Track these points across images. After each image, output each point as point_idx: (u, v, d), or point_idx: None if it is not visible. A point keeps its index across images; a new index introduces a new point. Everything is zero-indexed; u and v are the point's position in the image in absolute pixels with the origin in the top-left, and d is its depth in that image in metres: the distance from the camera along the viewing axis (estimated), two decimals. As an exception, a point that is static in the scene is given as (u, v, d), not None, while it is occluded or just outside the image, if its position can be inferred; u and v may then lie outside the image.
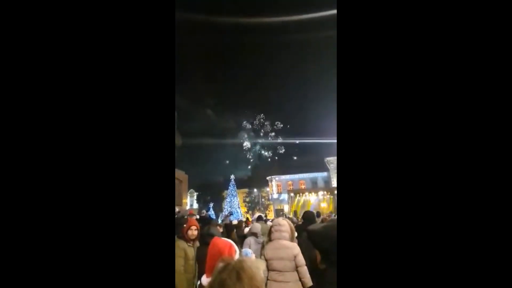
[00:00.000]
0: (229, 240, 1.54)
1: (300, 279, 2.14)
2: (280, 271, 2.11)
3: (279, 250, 2.19)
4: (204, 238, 3.10)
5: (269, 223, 4.72)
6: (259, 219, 6.20)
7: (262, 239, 3.37)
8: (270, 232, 2.40)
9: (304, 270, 2.15)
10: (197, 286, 2.11)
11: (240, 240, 4.17)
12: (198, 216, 8.90)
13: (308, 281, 2.12)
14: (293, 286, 2.11)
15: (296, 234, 3.66)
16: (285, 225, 2.35)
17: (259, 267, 0.85)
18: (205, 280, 1.43)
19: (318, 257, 1.08)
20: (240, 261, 0.83)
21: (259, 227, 3.56)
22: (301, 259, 2.17)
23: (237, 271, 0.78)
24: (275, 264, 2.14)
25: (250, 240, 3.42)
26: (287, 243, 2.26)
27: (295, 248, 2.21)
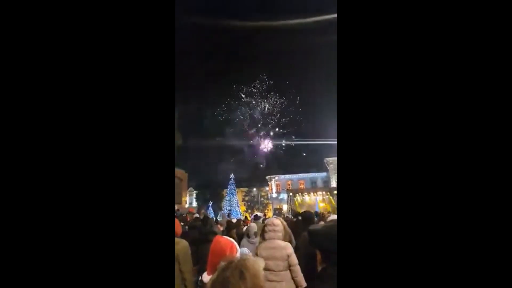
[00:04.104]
0: (231, 239, 1.56)
1: (293, 278, 2.15)
2: (274, 270, 2.12)
3: (273, 250, 2.19)
4: (206, 235, 3.12)
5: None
6: (255, 218, 6.22)
7: (254, 238, 3.30)
8: (263, 232, 2.39)
9: (297, 269, 2.16)
10: (198, 283, 2.12)
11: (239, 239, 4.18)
12: (198, 215, 8.91)
13: (301, 280, 2.13)
14: (286, 286, 2.11)
15: (291, 233, 3.66)
16: (279, 225, 2.35)
17: (261, 266, 0.87)
18: (206, 277, 1.45)
19: (319, 256, 1.10)
20: (243, 260, 0.85)
21: (254, 227, 3.53)
22: (294, 259, 2.18)
23: (240, 269, 0.80)
24: (269, 263, 2.15)
25: (243, 240, 3.42)
26: (281, 242, 2.26)
27: (289, 248, 2.22)
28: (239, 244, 3.44)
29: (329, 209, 12.62)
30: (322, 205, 13.73)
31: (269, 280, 2.12)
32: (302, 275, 2.15)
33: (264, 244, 2.30)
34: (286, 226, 2.47)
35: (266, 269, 2.18)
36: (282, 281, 2.12)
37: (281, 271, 2.14)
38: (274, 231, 2.31)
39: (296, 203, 14.19)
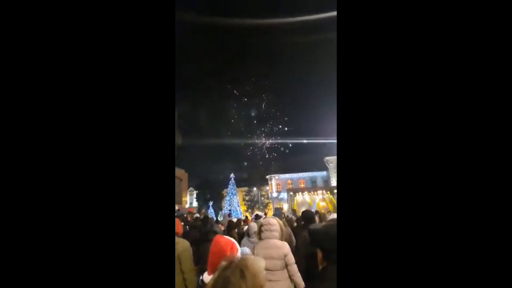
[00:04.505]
0: (231, 239, 1.55)
1: (290, 277, 2.14)
2: (271, 270, 2.11)
3: (269, 250, 2.19)
4: (207, 235, 3.13)
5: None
6: (256, 217, 6.21)
7: (254, 238, 3.33)
8: (260, 232, 2.38)
9: (294, 268, 2.15)
10: (199, 282, 2.13)
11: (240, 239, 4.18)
12: (198, 215, 8.92)
13: (298, 279, 2.12)
14: (284, 285, 2.11)
15: (291, 232, 3.63)
16: (275, 224, 2.34)
17: (261, 265, 0.87)
18: (206, 277, 1.45)
19: (319, 255, 1.10)
20: (244, 259, 0.85)
21: (254, 227, 3.56)
22: (291, 258, 2.18)
23: (241, 269, 0.80)
24: (266, 263, 2.16)
25: (243, 240, 3.43)
26: (278, 242, 2.26)
27: (285, 247, 2.22)
28: (239, 243, 3.43)
29: (331, 208, 12.61)
30: (323, 204, 13.70)
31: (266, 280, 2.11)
32: (299, 274, 2.15)
33: (261, 243, 2.29)
34: (283, 225, 2.47)
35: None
36: (280, 280, 2.11)
37: (278, 270, 2.14)
38: (270, 230, 2.31)
39: (295, 202, 14.19)
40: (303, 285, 2.12)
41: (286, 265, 2.16)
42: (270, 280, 2.09)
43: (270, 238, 2.28)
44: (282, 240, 2.33)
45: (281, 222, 2.43)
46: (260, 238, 2.36)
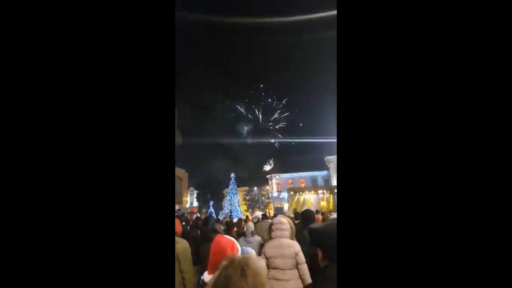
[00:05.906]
0: (232, 238, 1.56)
1: (300, 277, 2.15)
2: (282, 269, 2.13)
3: (280, 248, 2.20)
4: (208, 234, 3.13)
5: (269, 220, 4.71)
6: (264, 217, 6.22)
7: (251, 238, 3.32)
8: (270, 230, 2.41)
9: (305, 267, 2.15)
10: (200, 282, 2.13)
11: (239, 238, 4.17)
12: (199, 214, 8.95)
13: (308, 278, 2.13)
14: (294, 284, 2.11)
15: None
16: (285, 223, 2.37)
17: (262, 264, 0.88)
18: (206, 276, 1.45)
19: (319, 254, 1.11)
20: (245, 258, 0.85)
21: (251, 227, 3.54)
22: (301, 257, 2.19)
23: (242, 267, 0.80)
24: (277, 262, 2.16)
25: (240, 240, 3.45)
26: (288, 241, 2.28)
27: (296, 246, 2.23)
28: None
29: (327, 207, 12.66)
30: (323, 203, 13.73)
31: (276, 279, 2.12)
32: (308, 273, 2.16)
33: (271, 242, 2.30)
34: (293, 224, 2.48)
35: (273, 267, 2.16)
36: (290, 279, 2.11)
37: (289, 269, 2.15)
38: (281, 229, 2.32)
39: (294, 201, 14.25)
40: (310, 281, 2.13)
41: (297, 264, 2.16)
42: (281, 280, 2.11)
43: (281, 237, 2.29)
44: (292, 239, 2.34)
45: (291, 222, 2.45)
46: (270, 237, 2.37)
